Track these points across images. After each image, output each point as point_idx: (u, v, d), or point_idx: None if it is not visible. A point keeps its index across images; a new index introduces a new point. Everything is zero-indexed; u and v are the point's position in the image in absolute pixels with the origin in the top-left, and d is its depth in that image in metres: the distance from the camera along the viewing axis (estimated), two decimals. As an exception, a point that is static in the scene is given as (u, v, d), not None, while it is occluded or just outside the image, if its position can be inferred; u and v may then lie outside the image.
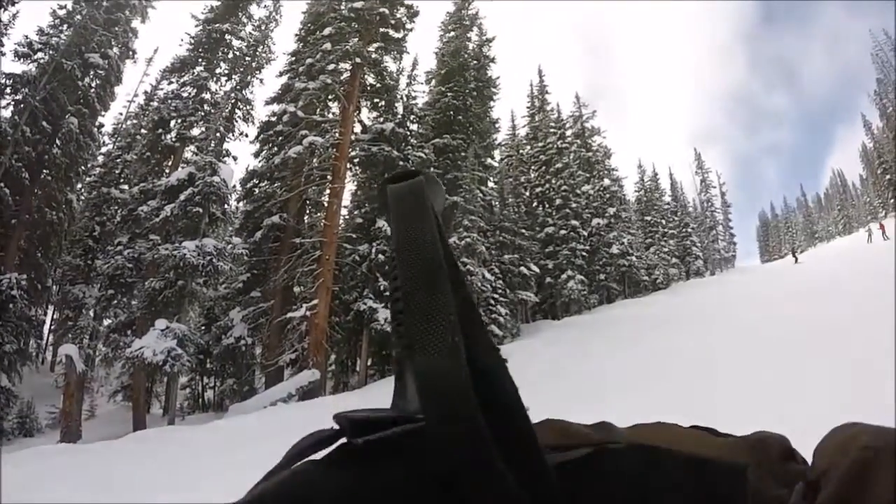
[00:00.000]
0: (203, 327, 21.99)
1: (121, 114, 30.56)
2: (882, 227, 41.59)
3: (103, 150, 27.69)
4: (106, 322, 21.70)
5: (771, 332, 11.04)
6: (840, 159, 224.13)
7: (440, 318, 0.36)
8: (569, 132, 38.07)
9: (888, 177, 59.25)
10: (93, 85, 23.68)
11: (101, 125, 25.80)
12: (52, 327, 27.16)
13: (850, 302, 11.87)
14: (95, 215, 25.21)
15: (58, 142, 21.68)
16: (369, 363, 21.58)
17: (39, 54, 21.38)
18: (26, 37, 21.17)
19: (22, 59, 20.93)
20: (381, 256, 19.70)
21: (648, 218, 48.06)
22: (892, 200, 58.99)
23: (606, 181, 38.64)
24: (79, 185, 26.25)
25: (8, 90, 20.19)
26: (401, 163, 21.45)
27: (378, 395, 14.24)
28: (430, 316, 0.36)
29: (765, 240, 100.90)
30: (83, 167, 25.21)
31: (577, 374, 12.23)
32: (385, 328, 18.78)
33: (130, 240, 20.10)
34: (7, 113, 20.08)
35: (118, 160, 26.56)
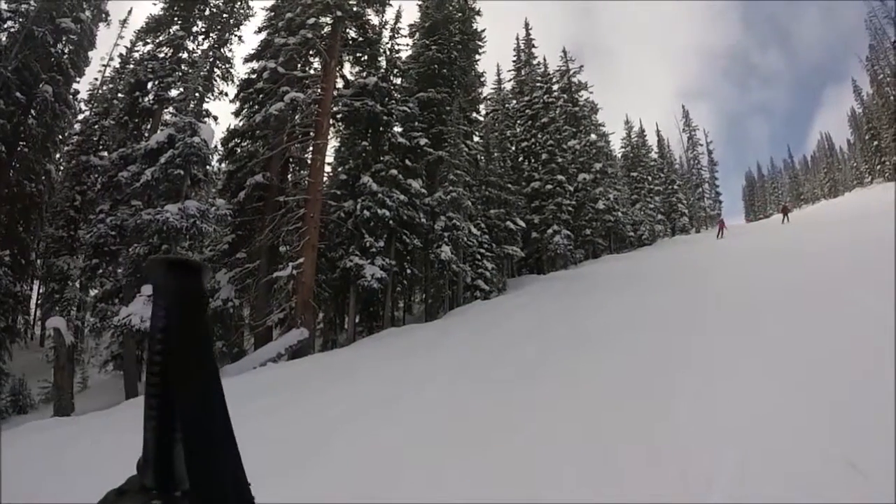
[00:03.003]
0: (190, 291, 21.83)
1: (96, 79, 29.87)
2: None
3: (80, 117, 27.06)
4: (92, 292, 21.56)
5: (745, 293, 11.01)
6: (828, 122, 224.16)
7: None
8: (555, 87, 37.69)
9: (876, 143, 59.37)
10: (66, 51, 23.09)
11: (77, 92, 25.14)
12: (39, 301, 26.93)
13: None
14: (75, 184, 24.84)
15: (33, 112, 21.13)
16: (357, 320, 21.64)
17: (9, 23, 20.75)
18: (-6, 6, 20.53)
19: (-9, 30, 20.31)
20: (366, 213, 19.55)
21: (635, 174, 48.17)
22: (878, 166, 59.24)
23: (593, 136, 38.62)
24: (57, 155, 25.80)
25: (-23, 63, 19.61)
26: (384, 117, 21.19)
27: (367, 352, 14.30)
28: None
29: (750, 199, 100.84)
30: (60, 136, 24.73)
31: (562, 327, 12.22)
32: (372, 284, 18.77)
33: (112, 207, 19.82)
34: (-22, 87, 19.55)
35: (96, 126, 25.99)
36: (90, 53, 25.33)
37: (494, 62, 55.21)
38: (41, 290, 26.31)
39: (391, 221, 20.27)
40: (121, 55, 28.69)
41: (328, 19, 20.77)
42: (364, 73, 22.24)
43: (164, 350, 0.50)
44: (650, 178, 49.25)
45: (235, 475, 0.51)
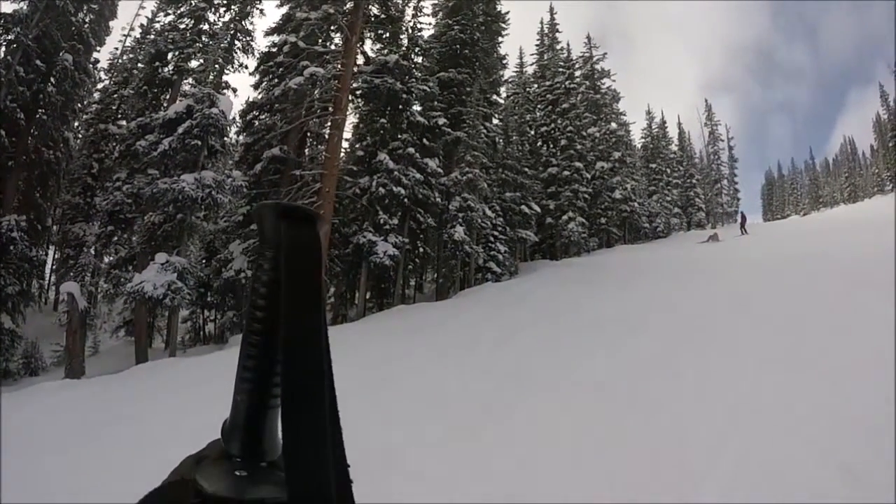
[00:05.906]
0: (203, 260, 21.99)
1: (116, 48, 30.00)
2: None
3: (99, 86, 27.32)
4: (106, 259, 21.71)
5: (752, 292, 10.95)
6: (852, 126, 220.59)
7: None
8: (577, 73, 37.45)
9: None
10: (87, 20, 23.13)
11: (97, 61, 25.30)
12: (54, 266, 27.17)
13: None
14: (93, 152, 24.98)
15: (52, 80, 21.12)
16: (368, 296, 21.69)
17: (31, -10, 20.72)
18: (16, -26, 20.45)
19: (12, -2, 20.24)
20: (381, 190, 19.56)
21: (653, 165, 47.76)
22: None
23: (613, 125, 38.33)
24: (75, 123, 25.98)
25: (-1, 30, 19.61)
26: (404, 95, 21.07)
27: (376, 329, 14.31)
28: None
29: (769, 199, 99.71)
30: (79, 104, 24.85)
31: (571, 314, 12.12)
32: (384, 261, 18.78)
33: (129, 175, 19.86)
34: (-1, 53, 19.57)
35: (115, 96, 26.12)
36: (111, 23, 25.41)
37: (517, 45, 54.43)
38: (56, 256, 26.53)
39: (406, 199, 20.29)
40: (142, 25, 28.86)
41: (351, -5, 20.60)
42: (385, 51, 22.09)
43: (267, 307, 0.44)
44: (669, 170, 48.85)
45: (336, 453, 0.43)
